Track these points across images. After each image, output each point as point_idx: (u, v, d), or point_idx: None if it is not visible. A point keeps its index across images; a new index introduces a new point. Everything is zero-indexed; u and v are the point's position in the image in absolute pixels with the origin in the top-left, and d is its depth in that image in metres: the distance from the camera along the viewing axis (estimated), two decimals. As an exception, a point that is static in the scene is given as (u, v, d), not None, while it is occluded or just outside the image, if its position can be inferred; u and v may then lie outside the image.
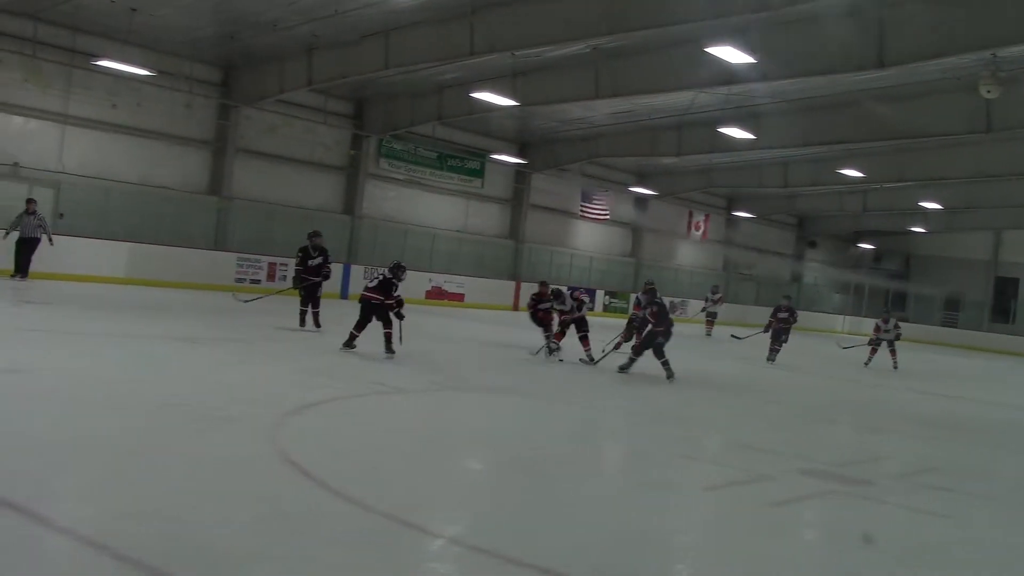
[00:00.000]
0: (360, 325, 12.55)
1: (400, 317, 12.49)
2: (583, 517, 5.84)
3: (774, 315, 19.66)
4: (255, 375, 10.12)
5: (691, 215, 39.84)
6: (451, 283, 28.26)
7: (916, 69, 18.67)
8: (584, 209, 34.77)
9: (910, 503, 7.34)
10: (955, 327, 42.14)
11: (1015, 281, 43.98)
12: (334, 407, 8.79)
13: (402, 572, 4.59)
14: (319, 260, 15.04)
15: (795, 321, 19.82)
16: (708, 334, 26.69)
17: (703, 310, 27.96)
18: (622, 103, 24.69)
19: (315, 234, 15.44)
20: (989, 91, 17.66)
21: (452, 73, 22.62)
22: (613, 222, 36.10)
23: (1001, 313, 43.18)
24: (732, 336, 19.09)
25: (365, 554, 4.72)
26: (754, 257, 42.92)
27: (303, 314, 14.96)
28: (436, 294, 27.37)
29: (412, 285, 24.68)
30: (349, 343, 12.43)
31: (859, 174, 29.88)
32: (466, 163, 30.13)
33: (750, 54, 16.79)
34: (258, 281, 23.07)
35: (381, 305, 12.42)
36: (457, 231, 30.29)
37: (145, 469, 5.79)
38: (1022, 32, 15.08)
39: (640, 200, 36.64)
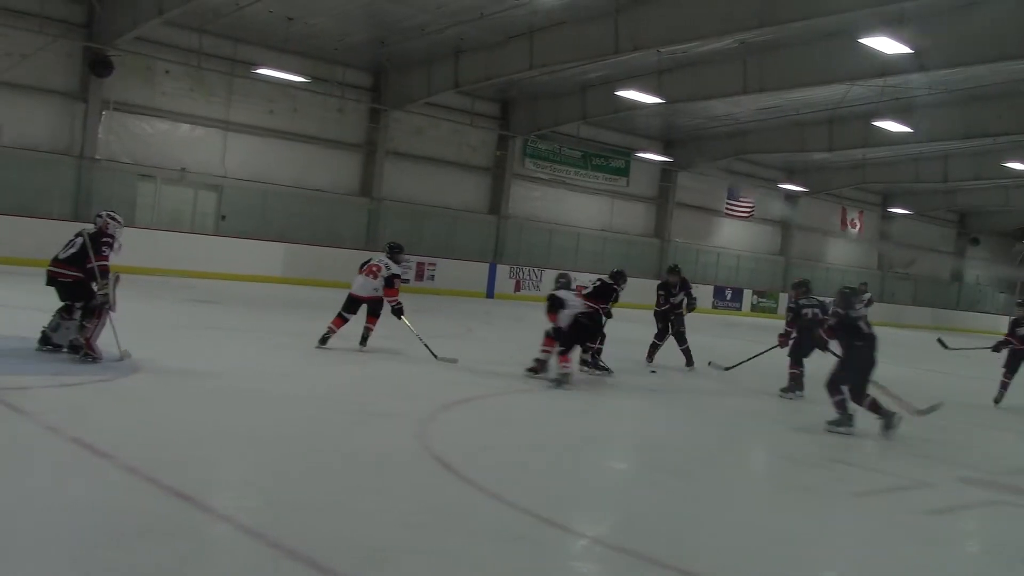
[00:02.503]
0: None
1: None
2: (728, 520, 5.74)
3: (1012, 332, 12.92)
4: (406, 372, 10.35)
5: (844, 212, 38.60)
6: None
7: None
8: (729, 206, 34.15)
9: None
10: None
11: None
12: (480, 404, 8.90)
13: (545, 570, 4.60)
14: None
15: None
16: None
17: None
18: (770, 98, 24.16)
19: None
20: None
21: (596, 72, 22.61)
22: (760, 219, 35.33)
23: None
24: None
25: (510, 550, 4.75)
26: (911, 255, 41.22)
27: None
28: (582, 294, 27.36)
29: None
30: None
31: (1026, 167, 28.35)
32: (611, 162, 30.05)
33: (907, 44, 16.14)
34: (407, 281, 23.56)
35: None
36: (602, 230, 30.25)
37: (303, 461, 6.01)
38: None
39: (789, 197, 35.73)
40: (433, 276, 24.21)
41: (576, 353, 10.86)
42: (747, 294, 33.12)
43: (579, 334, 10.60)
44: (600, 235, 30.03)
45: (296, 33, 20.88)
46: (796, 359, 11.26)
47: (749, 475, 7.74)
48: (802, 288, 11.62)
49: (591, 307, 11.00)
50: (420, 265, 24.01)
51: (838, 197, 37.69)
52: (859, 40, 16.51)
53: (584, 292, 11.53)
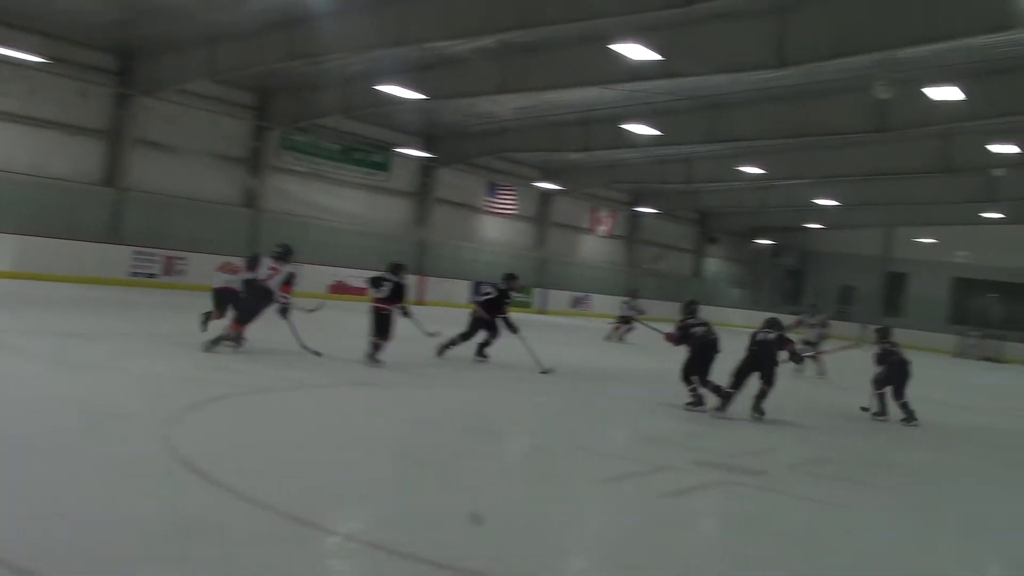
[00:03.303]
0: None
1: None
2: (481, 510, 5.84)
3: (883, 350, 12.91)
4: (151, 371, 9.83)
5: (596, 211, 40.23)
6: (355, 278, 27.91)
7: (815, 69, 19.18)
8: (489, 204, 34.80)
9: (802, 492, 7.56)
10: (848, 320, 43.48)
11: (904, 276, 45.70)
12: (233, 403, 8.60)
13: (297, 570, 4.52)
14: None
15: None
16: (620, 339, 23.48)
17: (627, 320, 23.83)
18: (529, 98, 24.78)
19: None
20: (883, 92, 18.27)
21: (358, 66, 22.34)
22: (519, 217, 36.22)
23: (891, 306, 44.78)
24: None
25: (261, 553, 4.63)
26: (658, 252, 43.59)
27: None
28: (339, 289, 27.00)
29: (315, 279, 24.39)
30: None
31: (759, 171, 30.64)
32: (371, 156, 29.85)
33: (656, 52, 17.03)
34: (154, 275, 22.46)
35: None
36: (361, 225, 29.96)
37: (35, 468, 5.57)
38: (915, 35, 15.62)
39: (545, 195, 36.84)
40: (183, 271, 23.11)
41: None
42: (505, 289, 33.81)
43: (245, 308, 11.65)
44: (359, 230, 29.73)
45: (33, 9, 19.35)
46: (687, 376, 11.50)
47: (503, 465, 7.93)
48: (691, 308, 11.99)
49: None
50: (169, 259, 22.87)
51: (591, 196, 39.25)
52: (611, 46, 17.25)
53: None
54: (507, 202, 35.19)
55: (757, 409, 11.12)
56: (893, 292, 45.84)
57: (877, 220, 43.08)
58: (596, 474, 7.46)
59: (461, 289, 30.46)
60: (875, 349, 12.84)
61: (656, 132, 25.28)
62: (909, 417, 12.24)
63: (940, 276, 44.20)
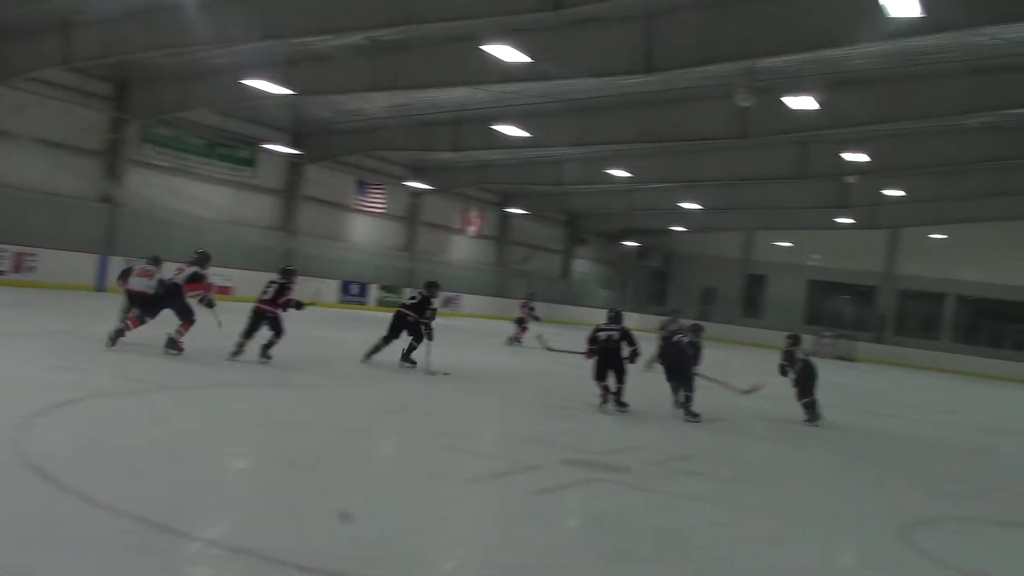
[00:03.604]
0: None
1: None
2: (351, 511, 5.78)
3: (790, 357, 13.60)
4: (4, 375, 9.38)
5: (466, 211, 40.32)
6: (219, 276, 27.14)
7: (681, 76, 19.73)
8: (359, 202, 34.45)
9: (666, 488, 7.75)
10: (710, 320, 44.88)
11: (763, 278, 47.46)
12: (89, 406, 8.26)
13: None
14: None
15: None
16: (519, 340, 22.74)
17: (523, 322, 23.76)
18: (399, 97, 24.68)
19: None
20: (745, 100, 18.92)
21: (224, 58, 21.78)
22: (389, 216, 35.96)
23: (751, 307, 46.44)
24: (538, 338, 16.69)
25: (114, 560, 4.46)
26: (527, 252, 43.97)
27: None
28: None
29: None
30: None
31: (626, 174, 31.29)
32: (237, 152, 29.15)
33: (526, 54, 17.18)
34: (2, 272, 21.37)
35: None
36: (227, 222, 29.21)
37: None
38: (775, 45, 16.28)
39: (416, 195, 36.71)
40: (34, 268, 22.05)
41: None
42: (373, 289, 33.55)
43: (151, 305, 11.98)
44: (225, 227, 28.98)
45: None
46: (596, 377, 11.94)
47: (374, 467, 7.87)
48: (611, 315, 12.36)
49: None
50: (19, 255, 21.79)
51: (461, 196, 39.31)
52: (482, 47, 17.32)
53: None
54: (377, 201, 34.91)
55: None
56: (753, 293, 47.62)
57: (738, 224, 44.71)
58: (467, 474, 7.48)
59: (331, 288, 30.04)
60: (782, 356, 13.65)
61: (526, 134, 25.51)
62: (812, 418, 12.95)
63: (797, 278, 46.08)
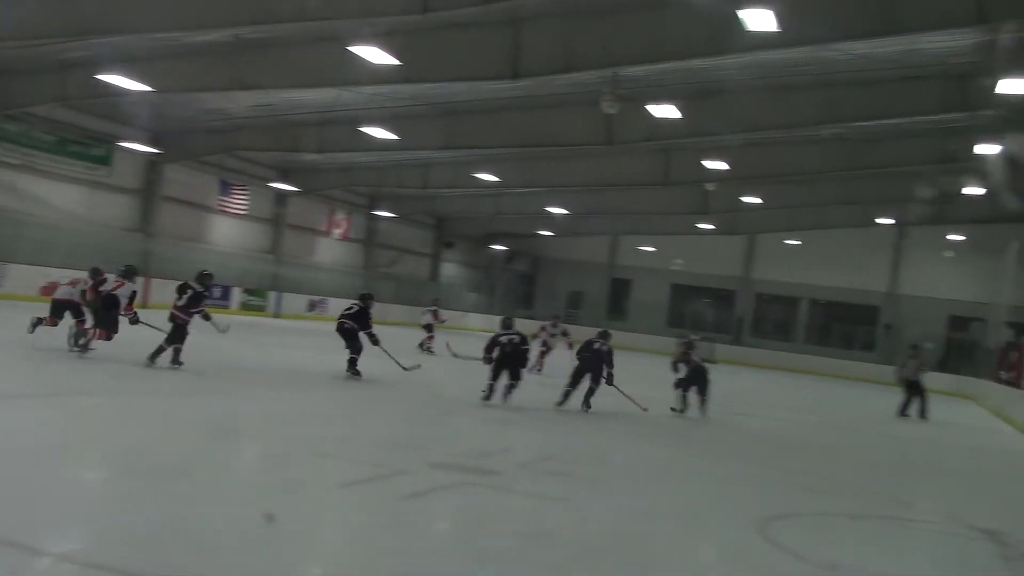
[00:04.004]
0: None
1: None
2: (212, 521, 5.67)
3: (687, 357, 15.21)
4: None
5: (332, 213, 39.82)
6: (70, 277, 26.01)
7: (548, 82, 20.02)
8: (222, 203, 33.62)
9: (532, 489, 7.87)
10: (577, 324, 45.62)
11: (628, 282, 48.55)
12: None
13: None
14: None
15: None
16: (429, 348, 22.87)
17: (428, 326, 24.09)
18: (264, 96, 24.20)
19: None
20: (610, 107, 19.32)
21: (78, 52, 20.90)
22: (252, 218, 35.20)
23: (616, 311, 47.41)
24: (447, 345, 17.36)
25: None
26: (394, 256, 43.75)
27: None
28: (53, 290, 25.13)
29: (26, 280, 22.64)
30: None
31: (494, 178, 31.53)
32: (91, 149, 28.02)
33: (394, 56, 17.11)
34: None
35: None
36: (81, 222, 28.02)
37: None
38: (638, 55, 16.71)
39: (281, 196, 36.06)
40: None
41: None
42: (236, 292, 32.81)
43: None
44: (78, 228, 27.80)
45: None
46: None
47: (239, 474, 7.72)
48: (505, 323, 13.73)
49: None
50: None
51: (327, 198, 38.81)
52: (349, 48, 17.16)
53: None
54: (240, 202, 34.14)
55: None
56: (618, 297, 48.64)
57: (604, 229, 45.65)
58: (335, 480, 7.41)
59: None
60: (679, 356, 15.33)
61: (394, 136, 25.39)
62: (681, 408, 14.90)
63: (660, 282, 47.31)
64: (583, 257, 48.53)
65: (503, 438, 10.66)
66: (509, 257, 50.26)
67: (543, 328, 21.33)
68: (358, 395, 13.45)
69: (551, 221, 43.17)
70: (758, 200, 34.03)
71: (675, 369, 15.27)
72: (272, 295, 34.48)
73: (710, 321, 45.40)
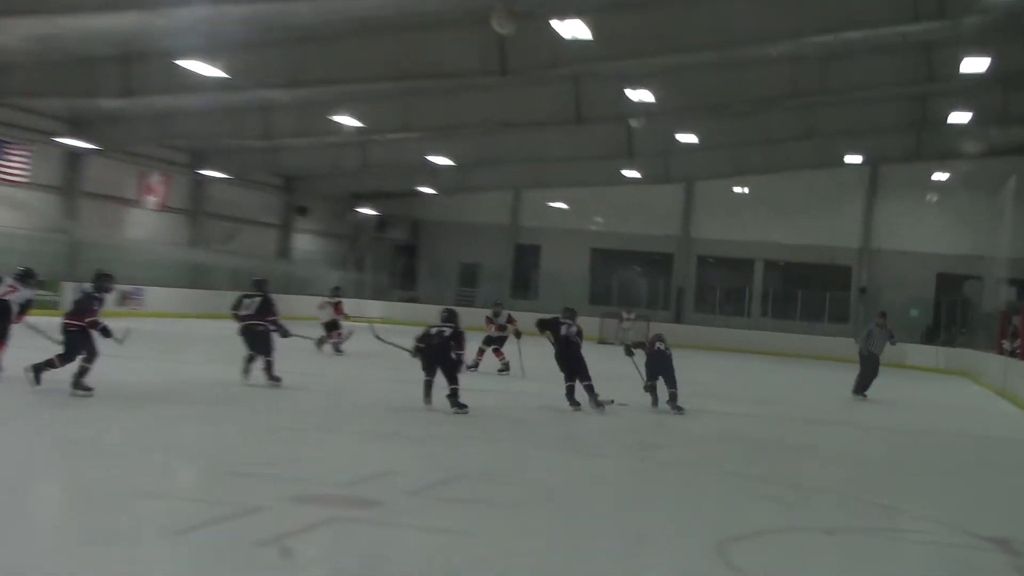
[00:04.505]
0: None
1: None
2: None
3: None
4: None
5: (145, 176, 39.01)
6: None
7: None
8: (-6, 168, 32.68)
9: (426, 522, 7.95)
10: (472, 306, 45.64)
11: (536, 248, 48.71)
12: None
13: None
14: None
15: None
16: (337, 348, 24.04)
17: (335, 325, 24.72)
18: (45, 24, 23.53)
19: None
20: (502, 26, 19.38)
21: None
22: (35, 185, 34.24)
23: (522, 286, 47.47)
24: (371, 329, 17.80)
25: None
26: (230, 228, 43.08)
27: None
28: None
29: None
30: None
31: (356, 123, 31.29)
32: None
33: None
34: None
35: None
36: None
37: None
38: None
39: (74, 156, 35.20)
40: None
41: None
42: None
43: None
44: None
45: None
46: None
47: (38, 524, 7.57)
48: (445, 315, 14.70)
49: None
50: None
51: (138, 157, 37.97)
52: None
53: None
54: (17, 166, 33.19)
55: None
56: (524, 268, 48.70)
57: (502, 182, 45.67)
58: (168, 526, 7.34)
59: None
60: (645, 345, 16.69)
61: (223, 74, 24.95)
62: (673, 404, 16.04)
63: (577, 248, 47.58)
64: (478, 220, 48.56)
65: (382, 457, 10.68)
66: (381, 224, 49.96)
67: (488, 320, 22.27)
68: (197, 411, 13.30)
69: (434, 175, 43.05)
70: (694, 138, 34.54)
71: (628, 353, 16.84)
72: (68, 287, 33.68)
73: (643, 294, 45.89)
